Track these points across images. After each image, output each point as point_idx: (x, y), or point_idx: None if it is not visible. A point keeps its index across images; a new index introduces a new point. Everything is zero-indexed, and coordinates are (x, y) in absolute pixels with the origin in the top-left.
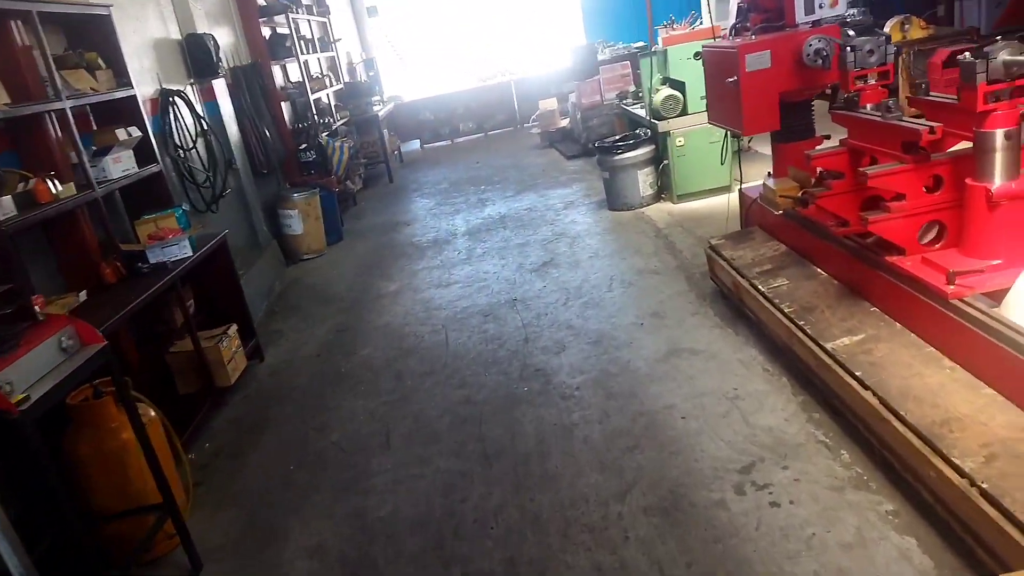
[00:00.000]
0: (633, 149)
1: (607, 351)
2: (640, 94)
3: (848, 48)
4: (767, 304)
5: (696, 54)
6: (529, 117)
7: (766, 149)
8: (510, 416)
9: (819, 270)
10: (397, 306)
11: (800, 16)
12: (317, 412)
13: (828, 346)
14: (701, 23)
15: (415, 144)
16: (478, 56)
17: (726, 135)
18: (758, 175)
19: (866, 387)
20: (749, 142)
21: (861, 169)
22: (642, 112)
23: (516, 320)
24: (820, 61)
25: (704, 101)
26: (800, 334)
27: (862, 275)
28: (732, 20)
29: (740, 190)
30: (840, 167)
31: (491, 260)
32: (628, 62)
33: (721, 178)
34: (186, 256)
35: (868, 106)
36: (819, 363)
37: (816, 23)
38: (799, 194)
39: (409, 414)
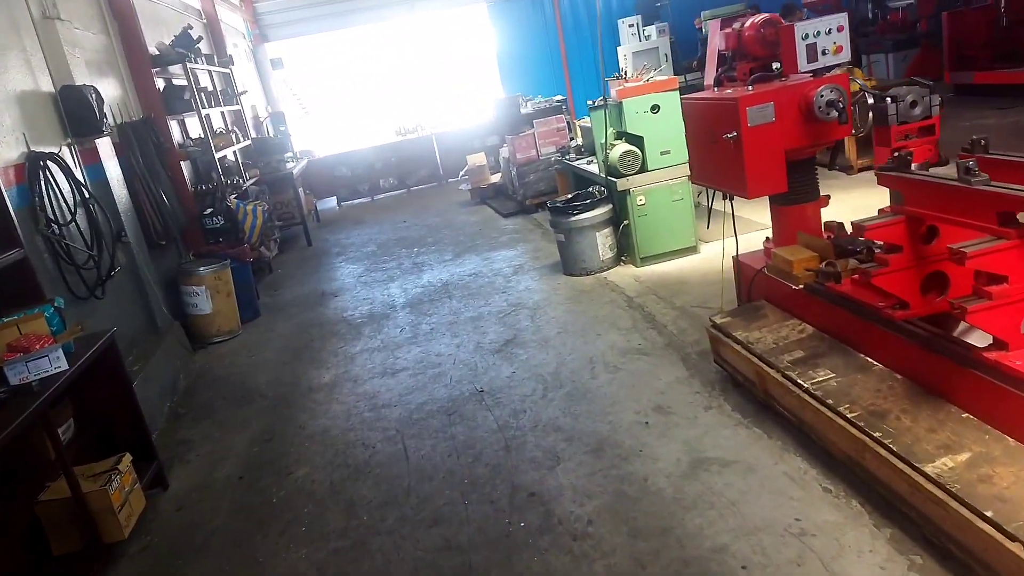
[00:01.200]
0: (590, 209)
1: (614, 464)
2: (583, 148)
3: (888, 100)
4: (816, 404)
5: (654, 107)
6: (453, 172)
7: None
8: (510, 572)
9: (870, 360)
10: (336, 403)
11: (803, 64)
12: (243, 570)
13: (927, 469)
14: (656, 75)
15: (331, 202)
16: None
17: (711, 195)
18: (718, 233)
19: (1011, 536)
20: (725, 197)
21: (956, 246)
22: (593, 168)
23: (489, 420)
24: (835, 114)
25: (664, 157)
26: (879, 449)
27: (944, 372)
28: (709, 70)
29: (736, 258)
30: (897, 239)
31: (442, 339)
32: (562, 116)
33: (685, 238)
34: (60, 371)
35: (934, 168)
36: (915, 490)
37: (817, 72)
38: (821, 265)
39: (370, 571)
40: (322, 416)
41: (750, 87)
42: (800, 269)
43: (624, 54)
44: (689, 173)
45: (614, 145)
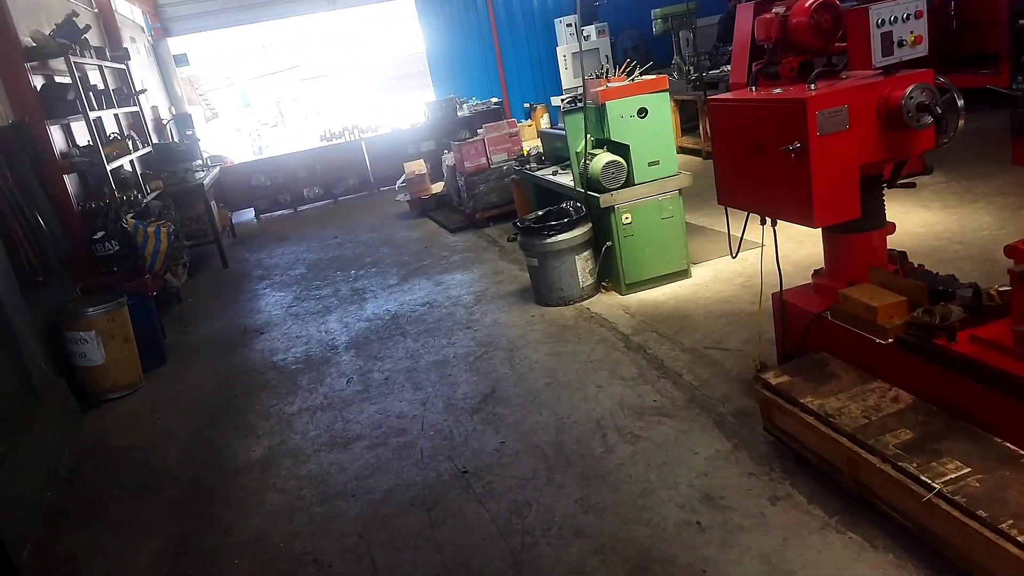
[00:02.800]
0: (568, 229)
1: None
2: (544, 156)
3: None
4: (957, 515)
5: (641, 111)
6: (385, 180)
7: (711, 221)
8: None
9: (1013, 447)
10: (272, 491)
11: (877, 58)
12: None
13: None
14: (641, 73)
15: (248, 214)
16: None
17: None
18: (703, 251)
19: None
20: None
21: None
22: (565, 181)
23: (483, 518)
24: (929, 120)
25: (653, 168)
26: None
27: None
28: (738, 65)
29: (780, 297)
30: None
31: (402, 392)
32: (513, 120)
33: (676, 261)
34: None
35: None
36: None
37: (889, 68)
38: (915, 313)
39: None
40: (255, 512)
41: (812, 86)
42: (887, 318)
43: (563, 55)
44: (718, 196)
45: (594, 155)
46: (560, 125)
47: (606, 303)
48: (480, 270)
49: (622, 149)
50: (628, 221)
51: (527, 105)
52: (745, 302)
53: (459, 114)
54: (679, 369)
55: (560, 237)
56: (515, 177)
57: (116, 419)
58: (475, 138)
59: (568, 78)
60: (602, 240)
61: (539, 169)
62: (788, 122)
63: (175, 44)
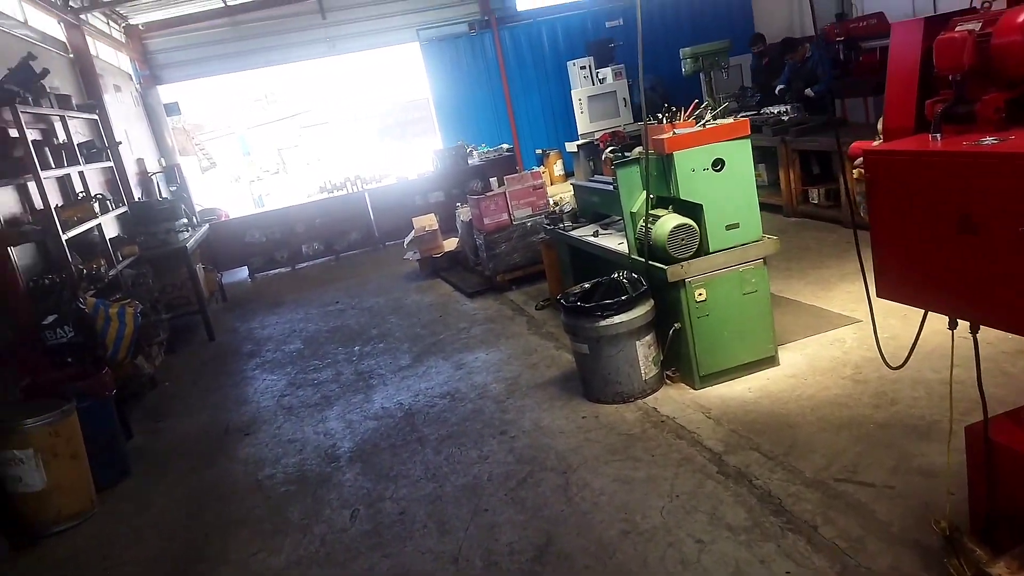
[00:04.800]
0: (627, 309)
1: None
2: (578, 214)
3: None
4: None
5: (717, 163)
6: (390, 234)
7: (795, 291)
8: None
9: None
10: None
11: None
12: None
13: None
14: (714, 115)
15: (242, 273)
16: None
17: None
18: (790, 330)
19: None
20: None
21: None
22: (611, 244)
23: None
24: None
25: (731, 233)
26: None
27: None
28: (894, 103)
29: (981, 431)
30: None
31: (424, 538)
32: (538, 171)
33: (762, 346)
34: None
35: None
36: None
37: None
38: None
39: None
40: None
41: None
42: None
43: (579, 99)
44: (877, 286)
45: (656, 216)
46: (597, 178)
47: (676, 401)
48: (508, 347)
49: (692, 209)
50: (702, 298)
51: (539, 151)
52: (867, 405)
53: (469, 162)
54: (809, 516)
55: (617, 319)
56: (545, 237)
57: (55, 565)
58: (495, 191)
59: (585, 122)
60: (667, 321)
61: (574, 228)
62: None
63: (167, 92)
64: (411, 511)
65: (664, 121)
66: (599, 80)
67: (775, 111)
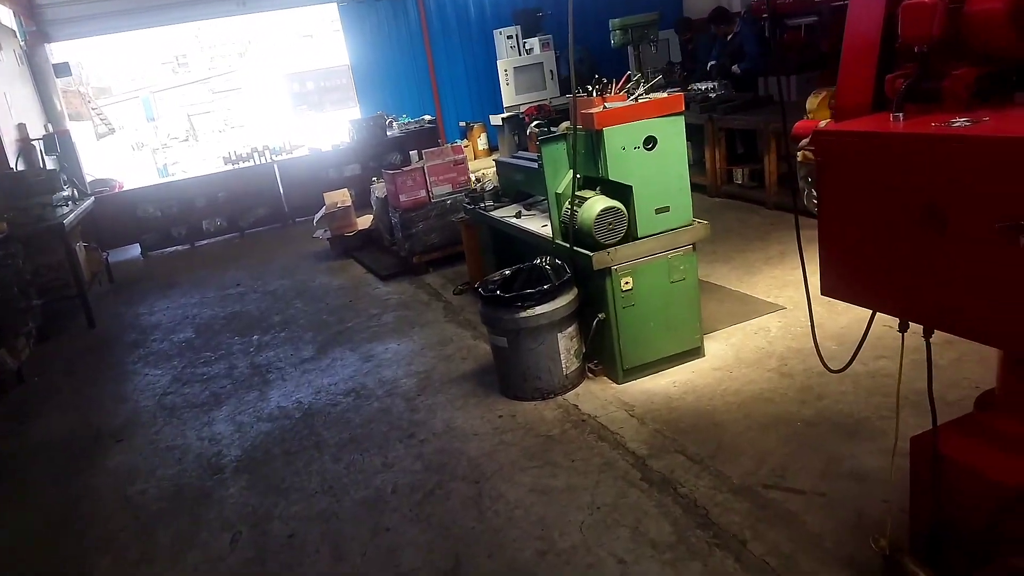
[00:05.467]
0: (550, 299)
1: None
2: (500, 192)
3: None
4: None
5: (649, 141)
6: (301, 210)
7: (718, 275)
8: None
9: None
10: None
11: None
12: None
13: None
14: (647, 89)
15: (134, 251)
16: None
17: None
18: (714, 317)
19: None
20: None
21: None
22: (535, 227)
23: None
24: None
25: (662, 217)
26: None
27: None
28: (849, 80)
29: (929, 442)
30: None
31: (315, 564)
32: (461, 144)
33: (687, 337)
34: None
35: None
36: None
37: None
38: None
39: None
40: None
41: None
42: None
43: (504, 69)
44: (822, 283)
45: (583, 198)
46: (522, 154)
47: (599, 397)
48: (422, 336)
49: (621, 191)
50: (629, 287)
51: (463, 124)
52: (793, 401)
53: (389, 134)
54: (737, 529)
55: (539, 310)
56: (464, 217)
57: None
58: (412, 166)
59: (510, 95)
60: (591, 311)
61: (496, 208)
62: (1006, 178)
63: (60, 51)
64: (302, 532)
65: (594, 94)
66: (526, 51)
67: (702, 87)
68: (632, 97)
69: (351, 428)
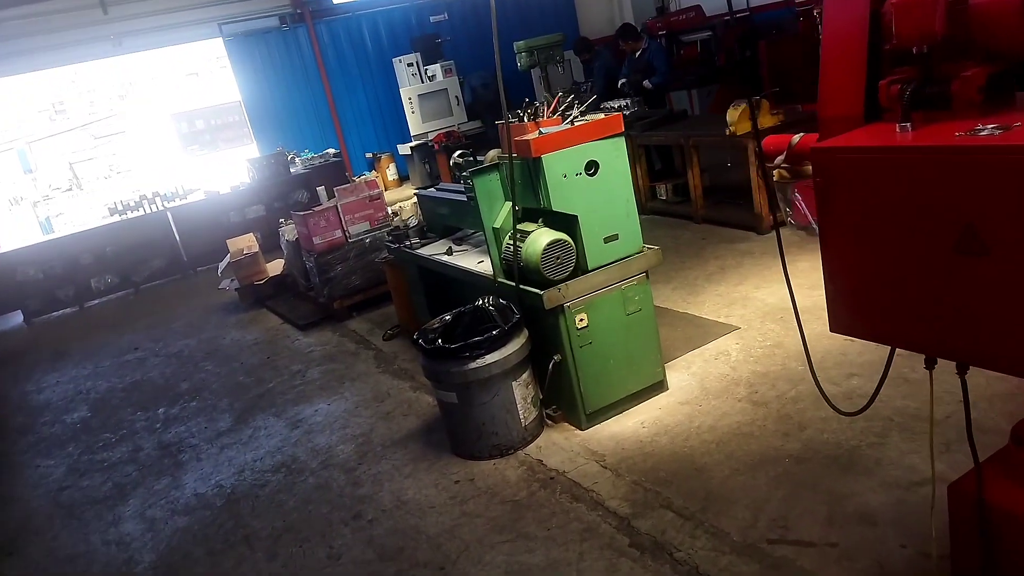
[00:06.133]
0: (500, 345)
1: None
2: (425, 228)
3: None
4: None
5: (591, 166)
6: (202, 258)
7: (664, 298)
8: None
9: None
10: None
11: None
12: None
13: None
14: (579, 112)
15: (17, 318)
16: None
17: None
18: (669, 344)
19: None
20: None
21: None
22: (469, 264)
23: None
24: None
25: (611, 246)
26: None
27: None
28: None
29: (972, 487)
30: None
31: None
32: (375, 179)
33: (649, 371)
34: None
35: None
36: None
37: None
38: None
39: None
40: None
41: None
42: None
43: (408, 97)
44: (831, 319)
45: (525, 232)
46: (445, 186)
47: (563, 447)
48: (354, 393)
49: (566, 222)
50: (584, 324)
51: (370, 155)
52: (775, 434)
53: (292, 171)
54: None
55: (489, 359)
56: (388, 257)
57: None
58: (324, 205)
59: (417, 123)
60: (545, 353)
61: (423, 245)
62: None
63: None
64: None
65: (526, 119)
66: (428, 77)
67: (615, 106)
68: (567, 120)
69: (285, 513)
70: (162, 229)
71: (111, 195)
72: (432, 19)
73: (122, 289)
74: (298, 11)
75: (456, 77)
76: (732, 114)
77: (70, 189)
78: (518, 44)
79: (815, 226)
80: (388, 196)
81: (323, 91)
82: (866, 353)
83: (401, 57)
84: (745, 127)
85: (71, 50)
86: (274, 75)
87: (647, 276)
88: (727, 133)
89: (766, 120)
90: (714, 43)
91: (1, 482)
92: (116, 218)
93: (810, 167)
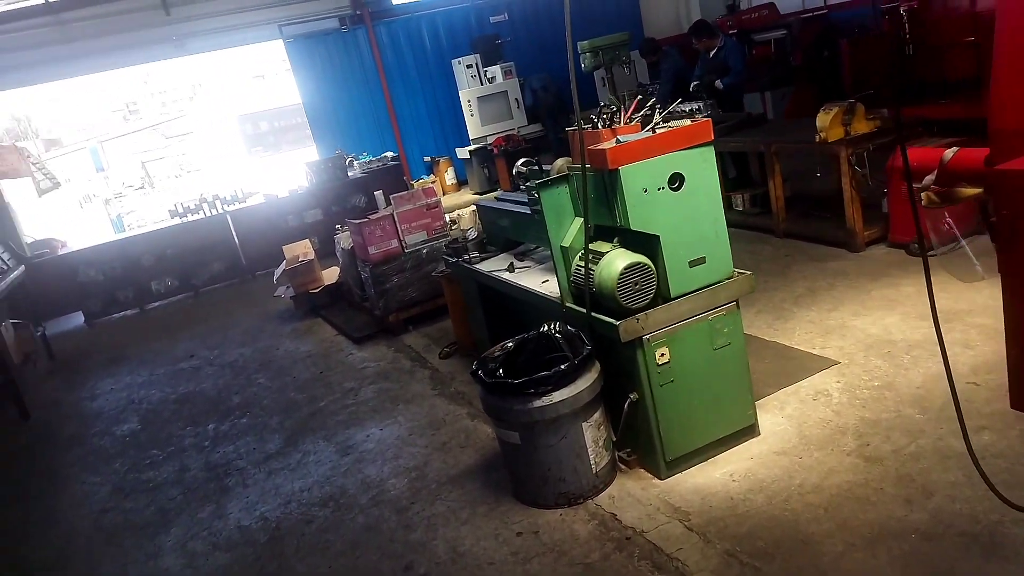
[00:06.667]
0: (569, 381)
1: None
2: (486, 241)
3: None
4: None
5: (675, 179)
6: (261, 262)
7: (756, 326)
8: None
9: None
10: None
11: None
12: None
13: None
14: (665, 117)
15: (78, 318)
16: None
17: None
18: (761, 379)
19: None
20: None
21: None
22: (539, 286)
23: None
24: None
25: (697, 270)
26: None
27: None
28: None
29: None
30: None
31: None
32: (431, 183)
33: (739, 413)
34: None
35: None
36: None
37: None
38: None
39: None
40: None
41: None
42: None
43: (468, 100)
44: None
45: (599, 253)
46: (506, 196)
47: (641, 500)
48: (408, 417)
49: (646, 242)
50: (665, 359)
51: (428, 159)
52: (895, 500)
53: (350, 174)
54: None
55: (557, 396)
56: (446, 271)
57: None
58: (380, 214)
59: (476, 126)
60: (619, 389)
61: (482, 260)
62: None
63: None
64: None
65: (600, 125)
66: (488, 79)
67: (686, 109)
68: (648, 127)
69: (332, 557)
70: (222, 232)
71: (180, 194)
72: (492, 19)
73: (181, 292)
74: (357, 12)
75: (516, 79)
76: (823, 119)
77: (142, 187)
78: (582, 44)
79: (963, 242)
80: (446, 201)
81: (382, 93)
82: (995, 401)
83: (461, 59)
84: (837, 133)
85: (136, 51)
86: (333, 77)
87: (738, 305)
88: (817, 139)
89: (861, 126)
90: (789, 42)
91: (48, 500)
92: (177, 220)
93: (964, 190)
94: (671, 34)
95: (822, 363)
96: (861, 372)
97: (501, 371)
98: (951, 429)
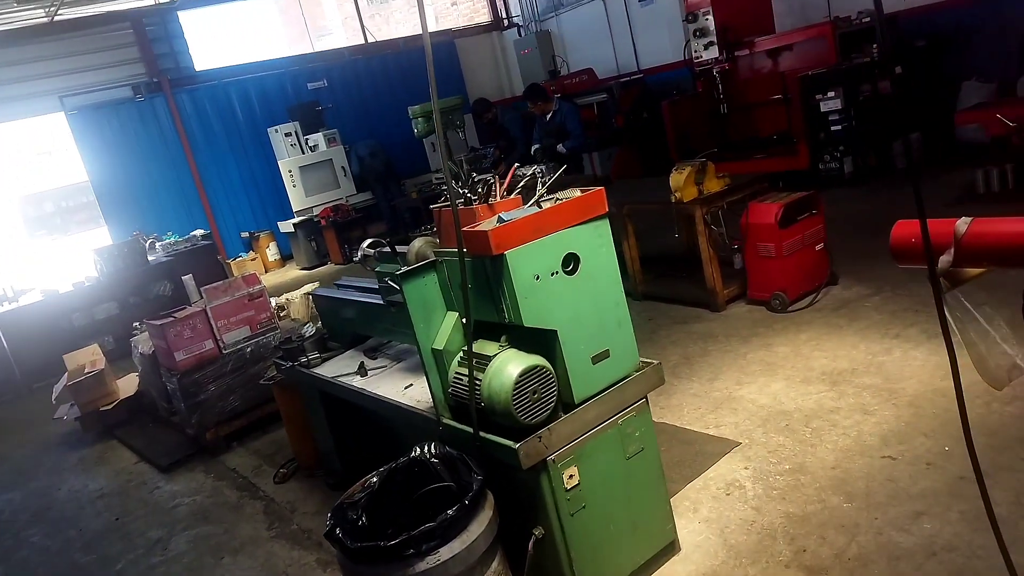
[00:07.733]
0: (459, 529)
1: None
2: (325, 335)
3: None
4: None
5: (569, 260)
6: (40, 373)
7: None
8: None
9: None
10: None
11: None
12: None
13: None
14: (543, 187)
15: None
16: None
17: None
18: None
19: None
20: None
21: None
22: (401, 394)
23: None
24: None
25: (601, 367)
26: None
27: None
28: None
29: None
30: None
31: None
32: (255, 273)
33: (658, 530)
34: None
35: None
36: None
37: None
38: None
39: None
40: None
41: None
42: None
43: (288, 170)
44: None
45: (485, 357)
46: (348, 281)
47: None
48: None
49: (540, 339)
50: (574, 482)
51: (246, 234)
52: None
53: (151, 258)
54: None
55: (445, 553)
56: (278, 377)
57: None
58: (189, 311)
59: (299, 197)
60: (520, 525)
61: (324, 361)
62: None
63: None
64: None
65: (474, 200)
66: (310, 148)
67: (527, 173)
68: (533, 200)
69: None
70: None
71: None
72: (310, 86)
73: None
74: (155, 80)
75: (341, 146)
76: (676, 179)
77: None
78: (413, 109)
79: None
80: (270, 279)
81: (187, 166)
82: (920, 479)
83: (278, 127)
84: (692, 193)
85: None
86: (128, 150)
87: (647, 401)
88: (672, 199)
89: (712, 184)
90: (611, 105)
91: None
92: None
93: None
94: (496, 99)
95: (722, 445)
96: (766, 453)
97: (364, 519)
98: (887, 519)
